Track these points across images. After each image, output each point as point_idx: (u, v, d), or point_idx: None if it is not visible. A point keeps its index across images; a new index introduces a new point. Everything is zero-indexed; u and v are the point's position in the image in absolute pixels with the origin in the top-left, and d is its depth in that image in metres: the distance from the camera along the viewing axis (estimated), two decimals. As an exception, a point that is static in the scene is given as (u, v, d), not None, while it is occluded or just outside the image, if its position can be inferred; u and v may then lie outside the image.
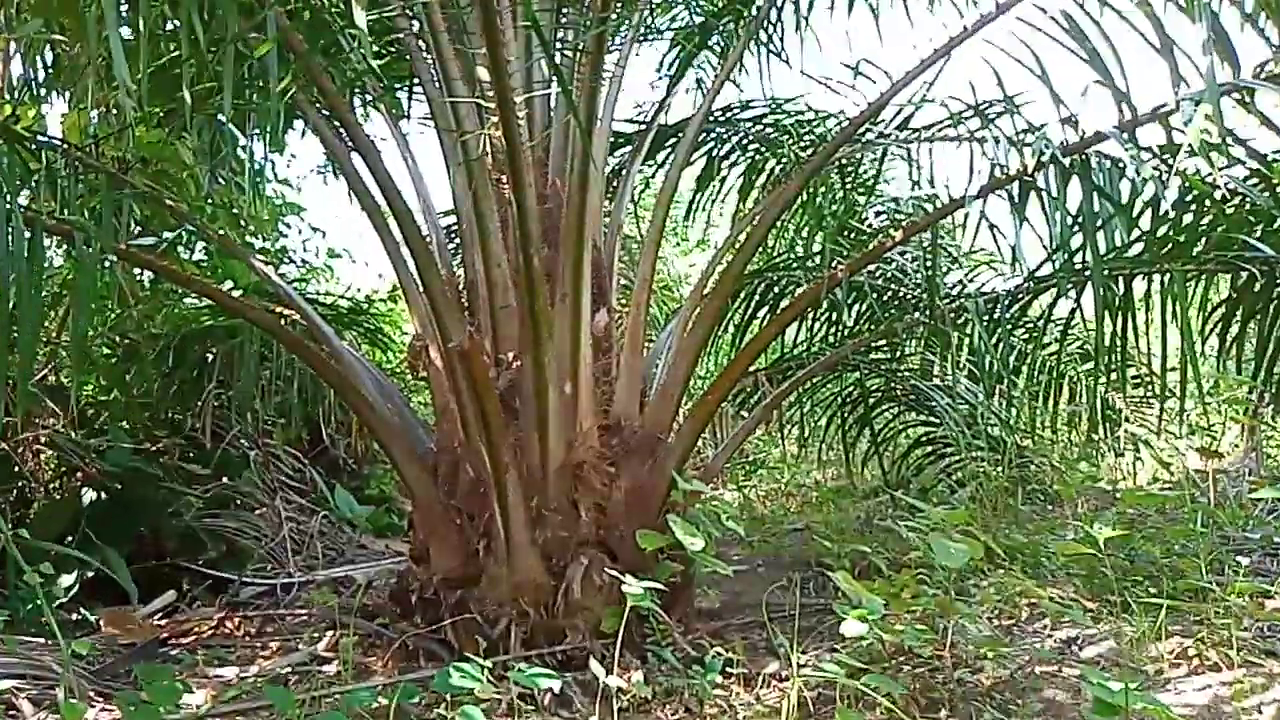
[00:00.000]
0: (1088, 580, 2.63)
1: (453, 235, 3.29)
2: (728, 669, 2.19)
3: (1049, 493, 4.43)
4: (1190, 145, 2.13)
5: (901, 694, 1.80)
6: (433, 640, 2.39)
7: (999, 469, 4.03)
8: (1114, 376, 3.37)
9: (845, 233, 3.65)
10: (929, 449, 4.52)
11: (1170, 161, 2.38)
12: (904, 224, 3.07)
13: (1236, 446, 5.18)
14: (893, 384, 4.07)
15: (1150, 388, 4.23)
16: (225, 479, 3.44)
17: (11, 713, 2.01)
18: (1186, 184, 2.54)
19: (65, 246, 2.88)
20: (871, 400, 4.11)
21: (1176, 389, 3.23)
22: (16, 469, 3.01)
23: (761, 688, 2.16)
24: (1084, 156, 2.46)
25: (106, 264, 2.62)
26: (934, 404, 4.04)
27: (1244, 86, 2.26)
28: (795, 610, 2.71)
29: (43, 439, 3.05)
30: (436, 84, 2.63)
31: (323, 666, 2.45)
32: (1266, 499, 3.47)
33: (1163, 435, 4.58)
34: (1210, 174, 2.37)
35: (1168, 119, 2.36)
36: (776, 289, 3.86)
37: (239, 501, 3.47)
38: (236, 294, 3.31)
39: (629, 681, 2.10)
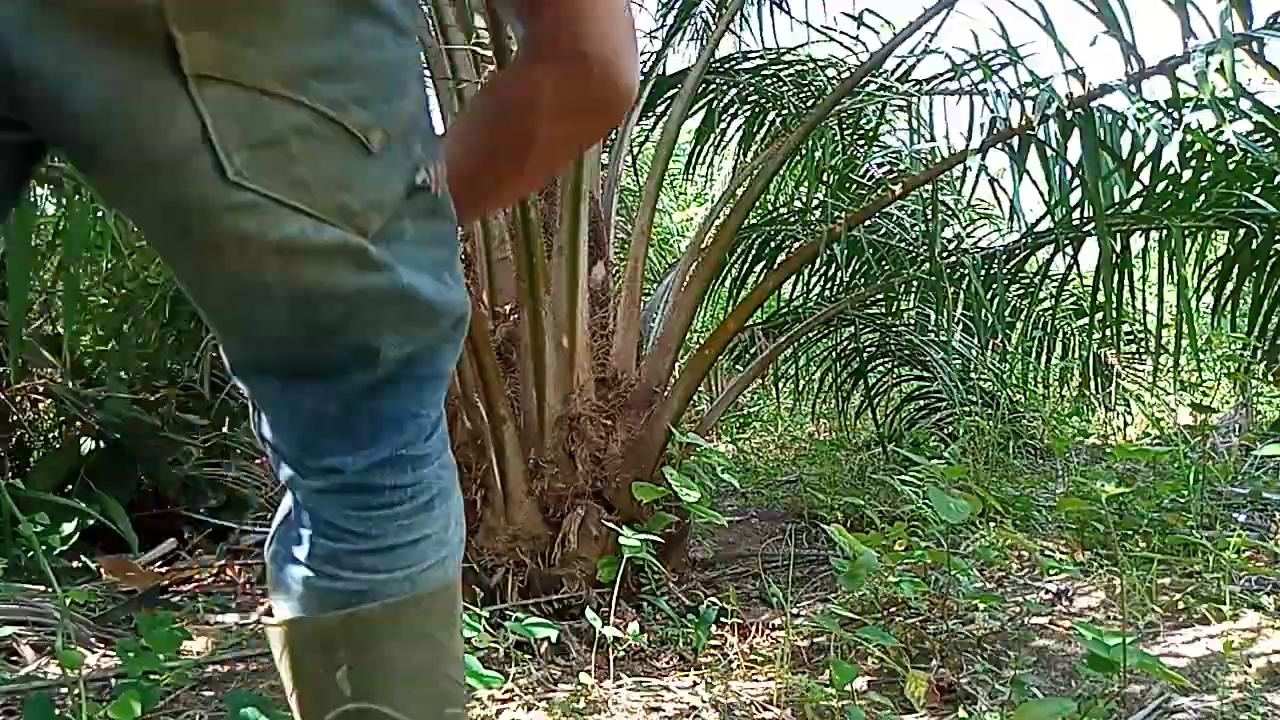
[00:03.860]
0: (1078, 534, 2.67)
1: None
2: (722, 619, 2.23)
3: (1040, 447, 4.47)
4: (1195, 98, 2.12)
5: (893, 645, 1.83)
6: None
7: (991, 423, 4.07)
8: (1108, 332, 3.38)
9: (844, 186, 3.63)
10: (922, 403, 4.55)
11: (1177, 115, 2.36)
12: (903, 178, 3.05)
13: (1227, 403, 5.22)
14: (888, 339, 4.08)
15: (1144, 344, 4.25)
16: (224, 429, 3.45)
17: (14, 658, 2.04)
18: (1188, 139, 2.53)
19: (56, 194, 2.85)
20: (866, 355, 4.13)
21: (1170, 345, 3.25)
22: (14, 418, 3.01)
23: (755, 637, 2.19)
24: (1088, 109, 2.44)
25: (98, 213, 2.60)
26: (928, 358, 4.06)
27: (1255, 37, 2.24)
28: (789, 561, 2.75)
29: (40, 388, 3.05)
30: (432, 32, 2.59)
31: (322, 614, 2.48)
32: (1256, 455, 3.51)
33: (1155, 391, 4.61)
34: (1215, 128, 2.36)
35: (1174, 71, 2.34)
36: (774, 243, 3.85)
37: (238, 451, 3.48)
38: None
39: (625, 630, 2.13)
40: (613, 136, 3.21)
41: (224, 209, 0.59)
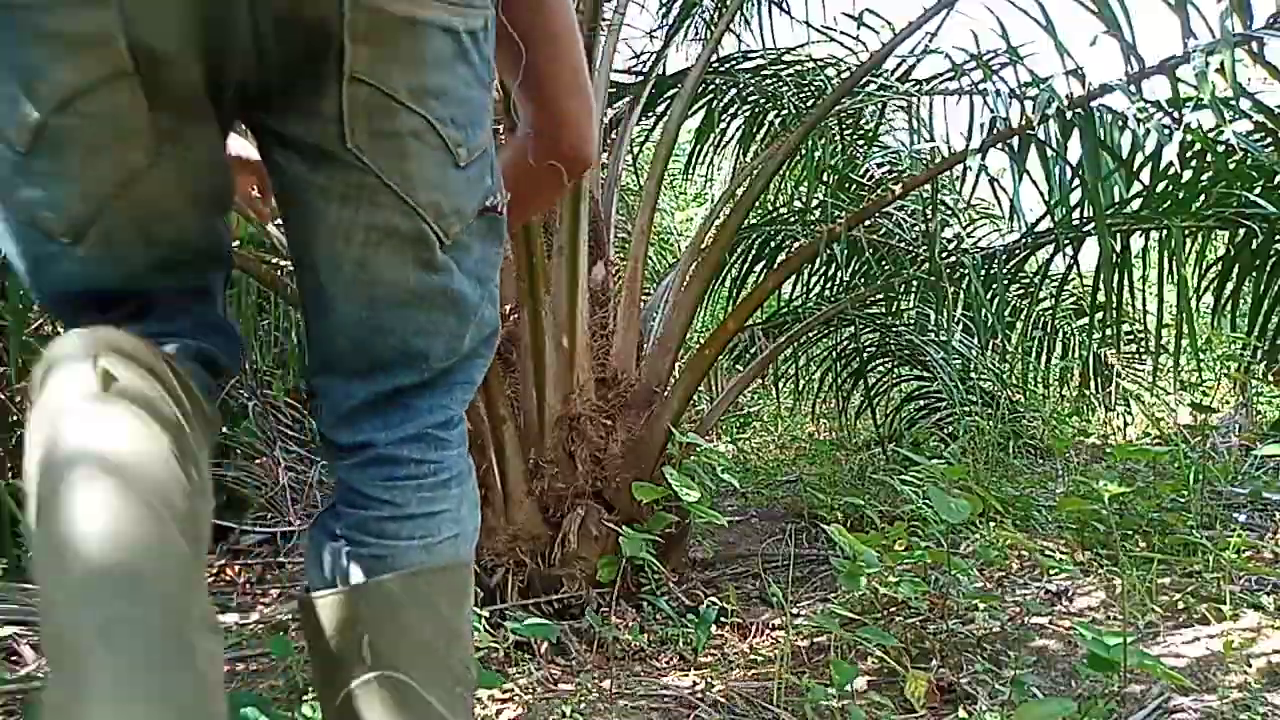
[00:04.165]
0: (1078, 533, 2.67)
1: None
2: (722, 619, 2.23)
3: (1040, 447, 4.47)
4: (1195, 98, 2.12)
5: (893, 645, 1.83)
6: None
7: (991, 423, 4.07)
8: (1108, 332, 3.38)
9: (844, 186, 3.63)
10: (922, 403, 4.55)
11: (1177, 115, 2.36)
12: (903, 178, 3.05)
13: (1227, 403, 5.23)
14: (888, 339, 4.08)
15: (1143, 344, 4.25)
16: (224, 429, 3.45)
17: (13, 658, 2.04)
18: (1188, 138, 2.53)
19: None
20: (866, 355, 4.13)
21: (1170, 345, 3.26)
22: (14, 418, 3.01)
23: (755, 637, 2.20)
24: (1088, 109, 2.44)
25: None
26: (928, 358, 4.06)
27: (1255, 37, 2.24)
28: (789, 561, 2.75)
29: (40, 388, 3.04)
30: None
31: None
32: (1256, 455, 3.51)
33: (1155, 391, 4.62)
34: (1215, 128, 2.36)
35: (1174, 71, 2.34)
36: (774, 243, 3.85)
37: (238, 451, 3.48)
38: (233, 245, 3.27)
39: (625, 630, 2.13)
40: (613, 136, 3.21)
41: (336, 164, 0.76)
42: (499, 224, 0.87)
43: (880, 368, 4.35)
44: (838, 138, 3.65)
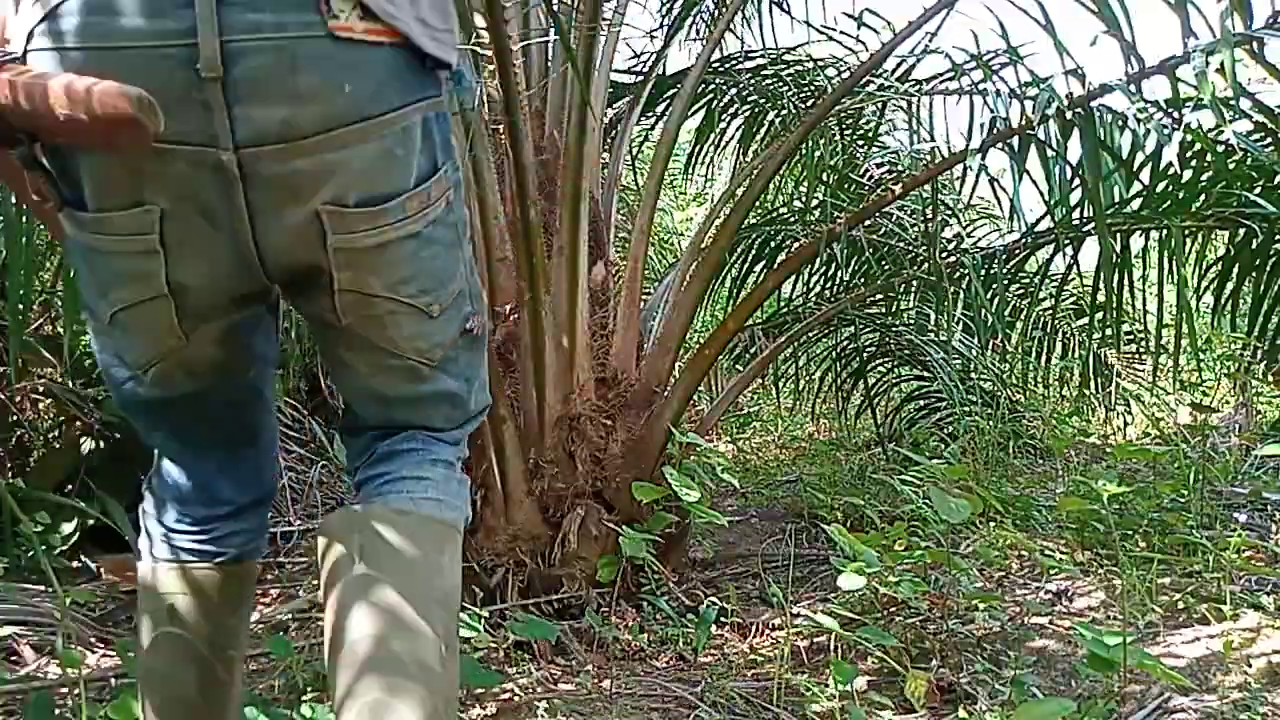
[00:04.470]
0: (1078, 533, 2.67)
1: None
2: (722, 618, 2.23)
3: (1040, 447, 4.47)
4: (1195, 98, 2.11)
5: (893, 645, 1.83)
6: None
7: (991, 423, 4.07)
8: (1108, 332, 3.38)
9: (844, 186, 3.63)
10: (922, 403, 4.54)
11: (1177, 115, 2.36)
12: (903, 178, 3.05)
13: (1227, 403, 5.23)
14: (888, 339, 4.08)
15: (1143, 344, 4.25)
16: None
17: (14, 658, 2.04)
18: (1188, 138, 2.53)
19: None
20: (866, 354, 4.13)
21: (1170, 345, 3.25)
22: (14, 418, 3.01)
23: (755, 637, 2.20)
24: (1088, 109, 2.44)
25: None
26: (928, 358, 4.06)
27: (1255, 37, 2.24)
28: (789, 561, 2.75)
29: (40, 388, 3.04)
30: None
31: (321, 614, 2.48)
32: (1256, 454, 3.51)
33: (1154, 391, 4.62)
34: (1215, 128, 2.36)
35: (1174, 71, 2.34)
36: (774, 243, 3.85)
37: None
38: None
39: (625, 630, 2.13)
40: (613, 136, 3.21)
41: (336, 331, 1.05)
42: (479, 339, 1.13)
43: (880, 368, 4.35)
44: (838, 138, 3.65)
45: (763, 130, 3.88)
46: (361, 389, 1.12)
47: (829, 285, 3.96)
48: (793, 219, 3.82)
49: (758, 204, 3.38)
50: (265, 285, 1.02)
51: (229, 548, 1.19)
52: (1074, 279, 3.58)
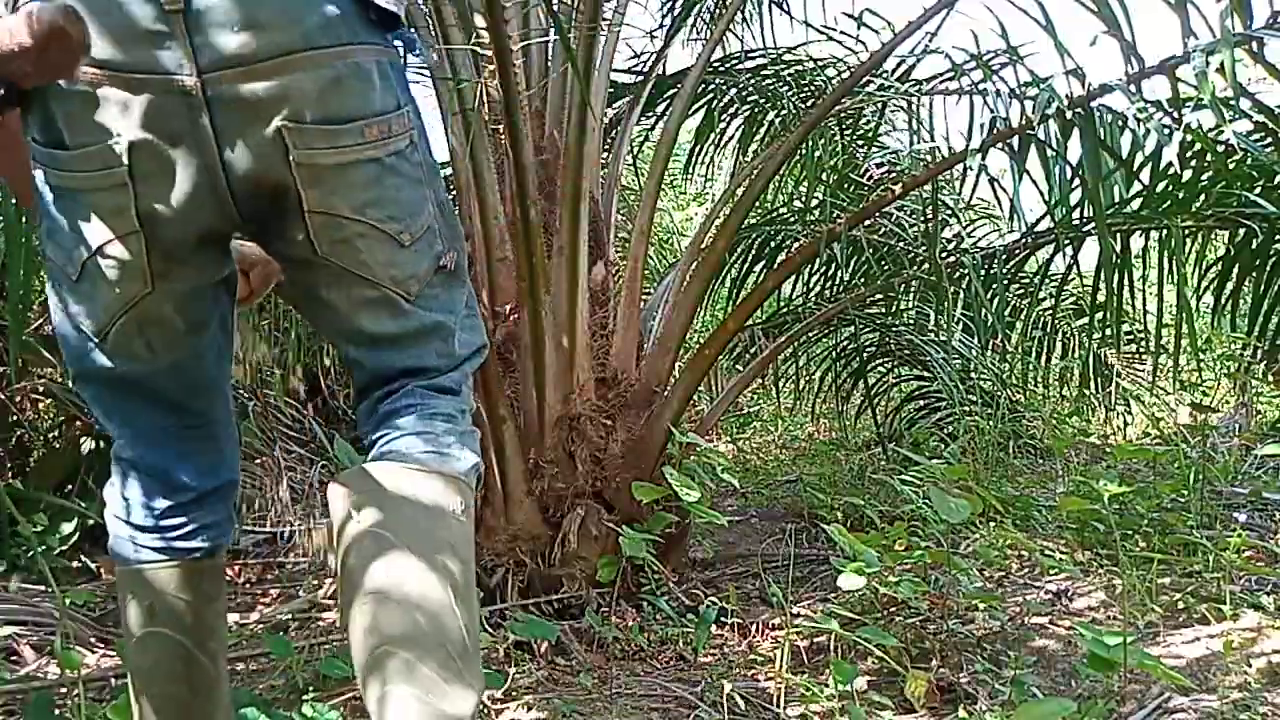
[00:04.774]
0: (1078, 533, 2.67)
1: (449, 188, 3.26)
2: (722, 618, 2.23)
3: (1040, 447, 4.47)
4: (1195, 98, 2.11)
5: (893, 645, 1.83)
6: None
7: (991, 423, 4.07)
8: (1108, 332, 3.38)
9: (844, 186, 3.63)
10: (922, 403, 4.54)
11: (1177, 115, 2.36)
12: (903, 178, 3.05)
13: (1227, 403, 5.23)
14: (888, 338, 4.08)
15: (1143, 344, 4.25)
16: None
17: (14, 658, 2.04)
18: (1188, 138, 2.53)
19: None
20: (866, 354, 4.13)
21: (1170, 345, 3.25)
22: (14, 418, 3.01)
23: (755, 637, 2.20)
24: (1088, 109, 2.44)
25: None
26: (928, 358, 4.06)
27: (1255, 37, 2.23)
28: (789, 561, 2.75)
29: (40, 388, 3.04)
30: (432, 31, 2.59)
31: (322, 614, 2.48)
32: (1256, 454, 3.51)
33: (1154, 391, 4.62)
34: (1215, 128, 2.36)
35: (1174, 71, 2.34)
36: (774, 243, 3.84)
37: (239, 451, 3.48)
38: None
39: (625, 630, 2.13)
40: (613, 136, 3.21)
41: (314, 266, 1.08)
42: (456, 275, 1.16)
43: (880, 368, 4.35)
44: (837, 138, 3.65)
45: (762, 130, 3.88)
46: (348, 330, 1.13)
47: (829, 285, 3.96)
48: (793, 219, 3.82)
49: (758, 204, 3.38)
50: (233, 222, 1.06)
51: (195, 543, 1.20)
52: (1074, 279, 3.58)
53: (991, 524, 2.70)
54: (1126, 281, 2.97)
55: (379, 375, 1.15)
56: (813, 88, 3.62)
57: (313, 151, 1.00)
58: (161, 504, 1.19)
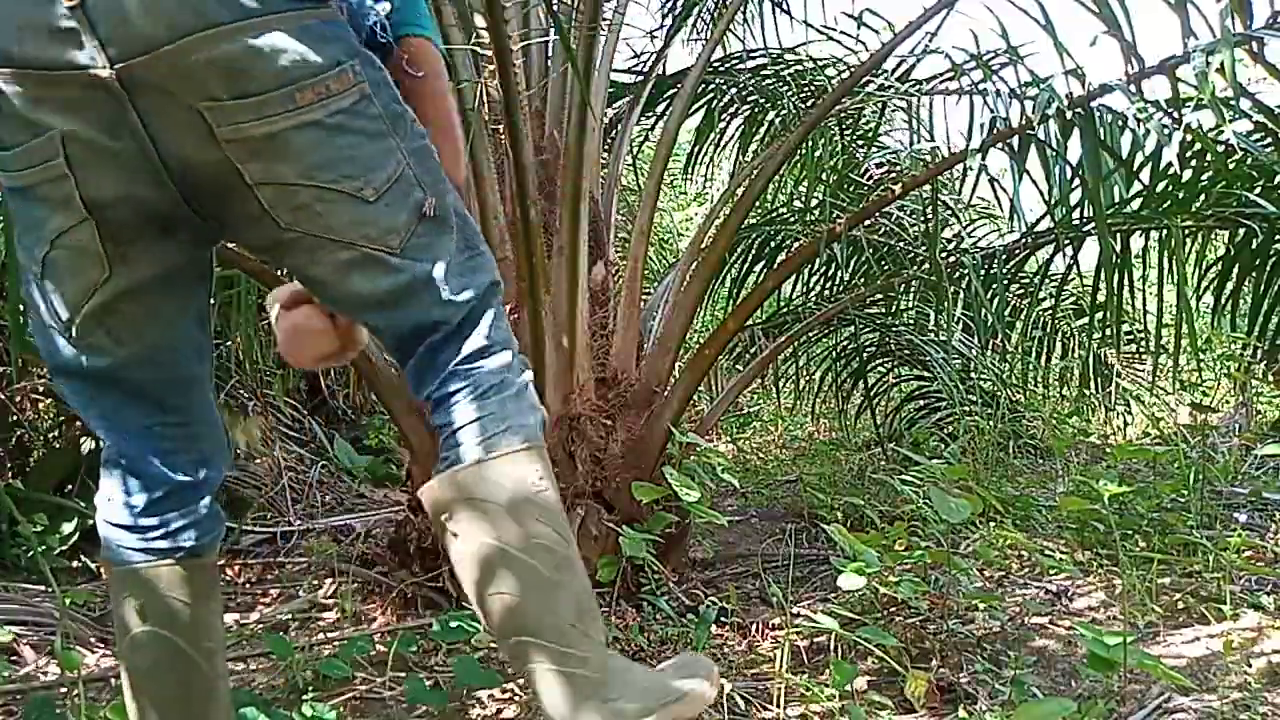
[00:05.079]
0: (1078, 533, 2.67)
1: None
2: (722, 618, 2.23)
3: (1040, 447, 4.47)
4: (1195, 98, 2.11)
5: (893, 644, 1.83)
6: (430, 588, 2.42)
7: (991, 423, 4.07)
8: (1108, 332, 3.38)
9: (844, 186, 3.63)
10: (922, 403, 4.54)
11: (1177, 115, 2.36)
12: (903, 178, 3.05)
13: (1227, 403, 5.22)
14: (887, 338, 4.08)
15: (1143, 343, 4.25)
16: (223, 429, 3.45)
17: (14, 658, 2.04)
18: (1188, 138, 2.53)
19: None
20: (866, 354, 4.13)
21: (1170, 345, 3.25)
22: (15, 418, 3.01)
23: (755, 637, 2.20)
24: (1088, 109, 2.44)
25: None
26: (928, 358, 4.06)
27: (1255, 37, 2.24)
28: (789, 561, 2.75)
29: (40, 388, 3.04)
30: (432, 31, 2.59)
31: (322, 614, 2.48)
32: (1256, 454, 3.51)
33: (1154, 391, 4.62)
34: (1215, 128, 2.36)
35: (1174, 71, 2.34)
36: (774, 243, 3.85)
37: (238, 451, 3.48)
38: (232, 245, 3.28)
39: (625, 630, 2.13)
40: (613, 136, 3.21)
41: (287, 244, 1.09)
42: (441, 220, 1.12)
43: (880, 367, 4.35)
44: (837, 138, 3.65)
45: (762, 130, 3.88)
46: (350, 300, 1.13)
47: (829, 285, 3.96)
48: (793, 219, 3.82)
49: (758, 204, 3.38)
50: (179, 204, 1.06)
51: (176, 542, 1.19)
52: (1074, 279, 3.58)
53: (991, 524, 2.70)
54: (1126, 281, 2.97)
55: (400, 337, 1.14)
56: (813, 88, 3.62)
57: (239, 126, 1.00)
58: (139, 501, 1.19)
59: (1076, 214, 2.94)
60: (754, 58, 3.75)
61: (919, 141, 3.24)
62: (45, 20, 0.96)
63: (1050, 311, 3.92)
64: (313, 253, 1.08)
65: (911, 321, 4.11)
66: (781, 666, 1.79)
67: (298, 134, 1.02)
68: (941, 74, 3.24)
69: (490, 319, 1.15)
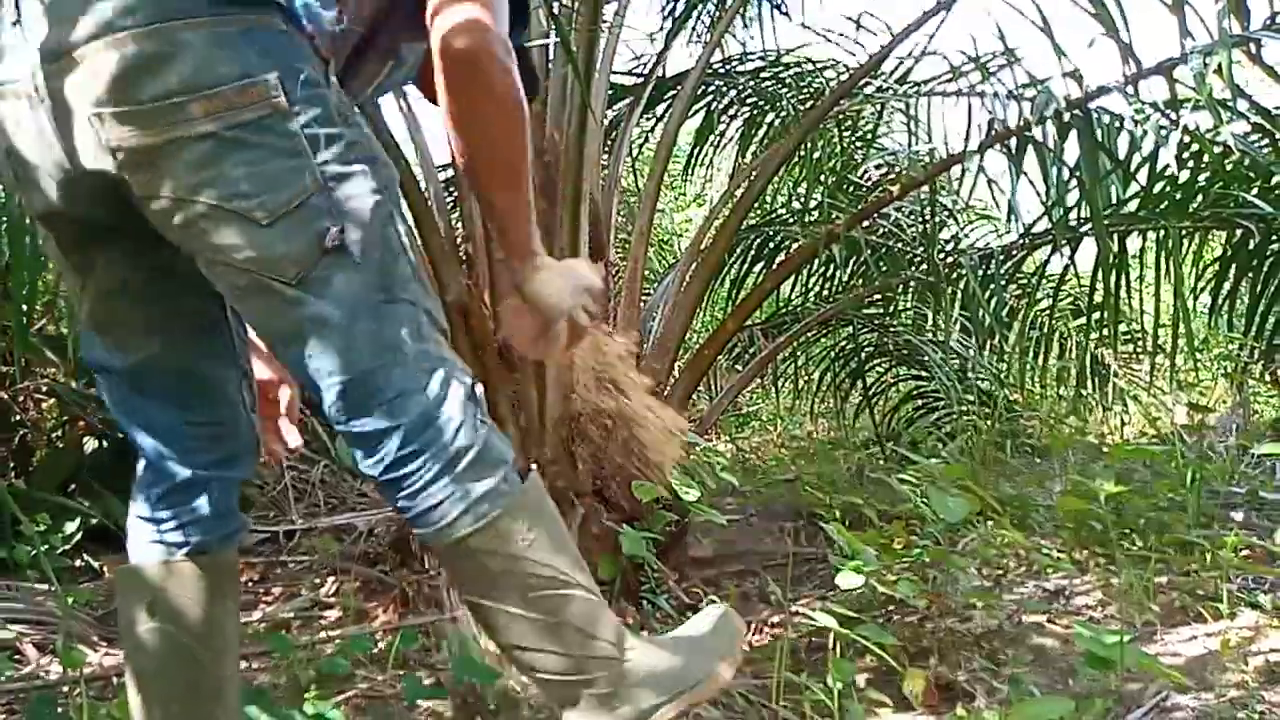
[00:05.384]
0: (1076, 532, 2.68)
1: (451, 189, 3.27)
2: (722, 617, 2.23)
3: (1038, 446, 4.48)
4: (1193, 100, 2.12)
5: (892, 643, 1.84)
6: (432, 587, 2.43)
7: (989, 422, 4.08)
8: (1105, 332, 3.39)
9: (843, 187, 3.64)
10: (920, 403, 4.55)
11: (1174, 116, 2.38)
12: (902, 179, 3.07)
13: (1224, 403, 5.24)
14: (886, 339, 4.09)
15: (1141, 344, 4.26)
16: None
17: (16, 658, 2.04)
18: (1185, 139, 2.54)
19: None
20: (864, 354, 4.14)
21: (1167, 345, 3.27)
22: (17, 418, 3.02)
23: (754, 635, 2.20)
24: (1085, 111, 2.45)
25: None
26: (926, 358, 4.06)
27: (1252, 38, 2.25)
28: (788, 559, 2.76)
29: (43, 388, 3.05)
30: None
31: (324, 612, 2.49)
32: (1253, 454, 3.52)
33: (1151, 391, 4.63)
34: (1212, 129, 2.38)
35: (1172, 72, 2.35)
36: (773, 243, 3.86)
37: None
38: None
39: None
40: (613, 137, 3.22)
41: (193, 259, 1.03)
42: (349, 256, 1.01)
43: (878, 367, 4.36)
44: (836, 139, 3.66)
45: (762, 132, 3.89)
46: (256, 329, 1.12)
47: (828, 286, 3.97)
48: (792, 220, 3.83)
49: (757, 205, 3.40)
50: (107, 213, 1.04)
51: (193, 537, 1.18)
52: (1071, 279, 3.59)
53: (989, 523, 2.71)
54: (1124, 282, 2.98)
55: (308, 382, 1.04)
56: (811, 89, 3.63)
57: (122, 136, 0.97)
58: (157, 493, 1.18)
59: (1074, 215, 2.95)
60: (753, 60, 3.76)
61: (917, 143, 3.25)
62: (4, 42, 1.01)
63: (1048, 312, 3.93)
64: (212, 270, 1.03)
65: (910, 322, 4.12)
66: (780, 664, 1.80)
67: (187, 147, 0.97)
68: (940, 76, 3.25)
69: (400, 380, 1.02)
